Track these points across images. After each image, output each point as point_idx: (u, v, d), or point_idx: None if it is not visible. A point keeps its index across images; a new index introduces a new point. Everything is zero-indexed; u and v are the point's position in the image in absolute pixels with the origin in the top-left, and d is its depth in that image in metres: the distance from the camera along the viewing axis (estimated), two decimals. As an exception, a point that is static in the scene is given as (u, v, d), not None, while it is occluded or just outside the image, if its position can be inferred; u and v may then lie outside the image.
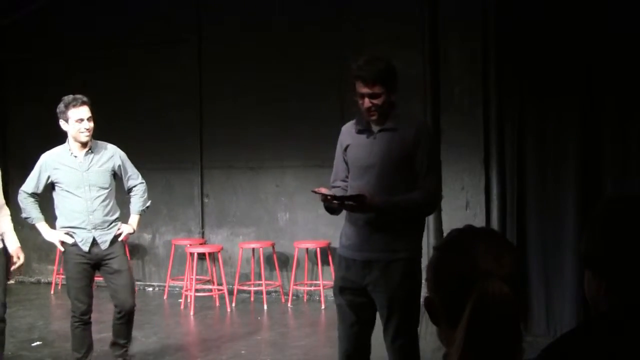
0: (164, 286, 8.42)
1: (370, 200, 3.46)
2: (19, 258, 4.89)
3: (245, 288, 8.13)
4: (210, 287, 8.03)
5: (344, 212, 3.72)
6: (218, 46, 8.40)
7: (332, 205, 3.60)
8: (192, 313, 7.46)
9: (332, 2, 7.95)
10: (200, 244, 8.31)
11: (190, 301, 7.56)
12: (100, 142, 5.07)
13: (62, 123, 4.92)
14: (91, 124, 4.91)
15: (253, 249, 8.09)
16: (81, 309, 4.94)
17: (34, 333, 6.68)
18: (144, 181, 5.30)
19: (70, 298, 4.99)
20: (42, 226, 5.04)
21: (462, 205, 7.38)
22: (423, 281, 2.76)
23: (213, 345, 6.27)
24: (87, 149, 4.96)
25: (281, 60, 8.00)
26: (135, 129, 8.62)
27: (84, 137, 4.90)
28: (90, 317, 5.03)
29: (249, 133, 8.21)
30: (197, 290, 7.78)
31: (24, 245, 9.45)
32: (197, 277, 7.96)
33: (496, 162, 6.36)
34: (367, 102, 3.53)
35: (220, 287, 7.91)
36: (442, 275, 1.43)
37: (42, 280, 9.27)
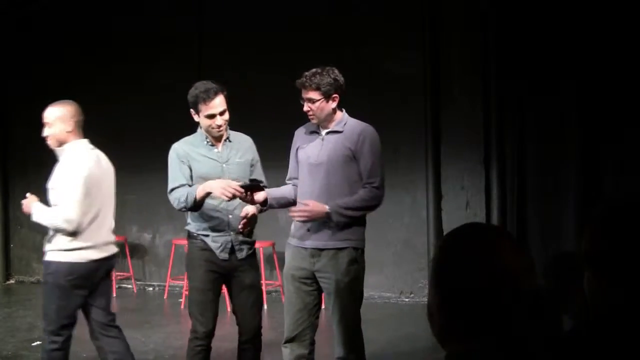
0: (164, 286, 8.42)
1: (318, 206, 3.85)
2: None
3: (245, 288, 8.12)
4: (210, 287, 8.03)
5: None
6: (218, 46, 8.40)
7: (246, 199, 4.06)
8: (192, 313, 7.44)
9: (332, 2, 7.96)
10: (201, 243, 8.28)
11: (191, 301, 7.55)
12: (233, 132, 4.38)
13: (192, 113, 4.17)
14: (225, 118, 4.20)
15: (253, 249, 8.08)
16: (208, 328, 4.20)
17: (34, 333, 6.67)
18: (267, 185, 4.72)
19: (193, 314, 4.19)
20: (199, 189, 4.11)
21: (462, 205, 7.38)
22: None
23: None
24: (224, 139, 4.28)
25: (281, 60, 7.99)
26: (135, 129, 8.63)
27: (216, 133, 4.20)
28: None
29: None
30: (197, 290, 7.76)
31: (24, 245, 9.31)
32: (197, 277, 7.94)
33: (496, 162, 6.37)
34: (305, 106, 4.05)
35: (220, 287, 7.90)
36: (448, 273, 1.43)
37: (42, 280, 9.25)
